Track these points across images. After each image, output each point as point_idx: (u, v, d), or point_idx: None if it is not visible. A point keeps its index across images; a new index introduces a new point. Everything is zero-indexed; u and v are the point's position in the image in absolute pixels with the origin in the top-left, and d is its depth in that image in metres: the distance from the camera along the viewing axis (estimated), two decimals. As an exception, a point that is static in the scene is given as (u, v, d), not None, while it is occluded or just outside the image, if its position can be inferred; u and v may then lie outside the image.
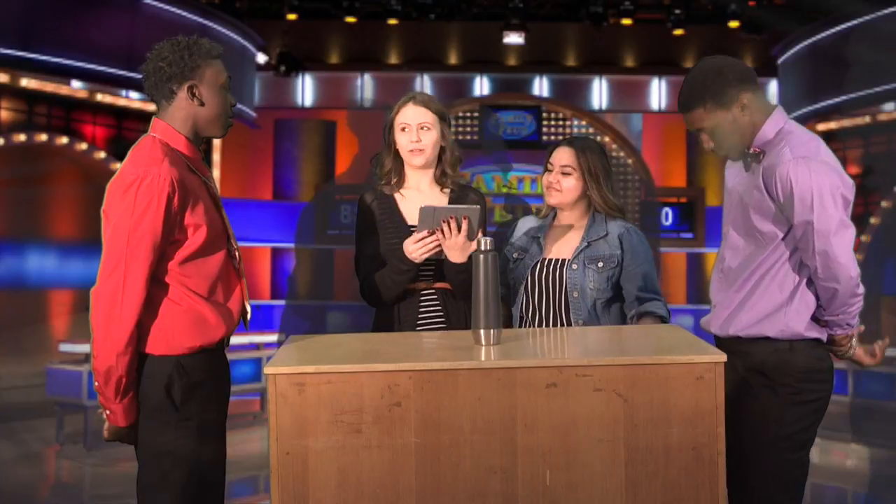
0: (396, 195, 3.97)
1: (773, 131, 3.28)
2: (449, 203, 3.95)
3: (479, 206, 3.72)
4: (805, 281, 3.26)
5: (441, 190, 4.00)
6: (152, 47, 3.27)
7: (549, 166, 4.00)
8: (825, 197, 3.13)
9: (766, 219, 3.25)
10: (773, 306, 3.28)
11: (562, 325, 3.91)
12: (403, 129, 3.91)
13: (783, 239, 3.26)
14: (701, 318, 3.52)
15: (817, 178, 3.13)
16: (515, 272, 4.02)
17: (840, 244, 3.15)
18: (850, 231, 3.18)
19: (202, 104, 3.26)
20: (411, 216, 3.90)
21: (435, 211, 3.66)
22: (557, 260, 3.97)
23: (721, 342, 3.39)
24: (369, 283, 3.89)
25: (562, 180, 3.96)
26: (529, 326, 3.96)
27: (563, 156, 3.98)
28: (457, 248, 3.70)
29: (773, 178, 3.19)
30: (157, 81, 3.24)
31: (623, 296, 3.94)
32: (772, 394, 3.27)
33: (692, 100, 3.31)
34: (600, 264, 3.91)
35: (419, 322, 3.87)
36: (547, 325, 3.93)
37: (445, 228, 3.67)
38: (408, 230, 3.88)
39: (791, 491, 3.32)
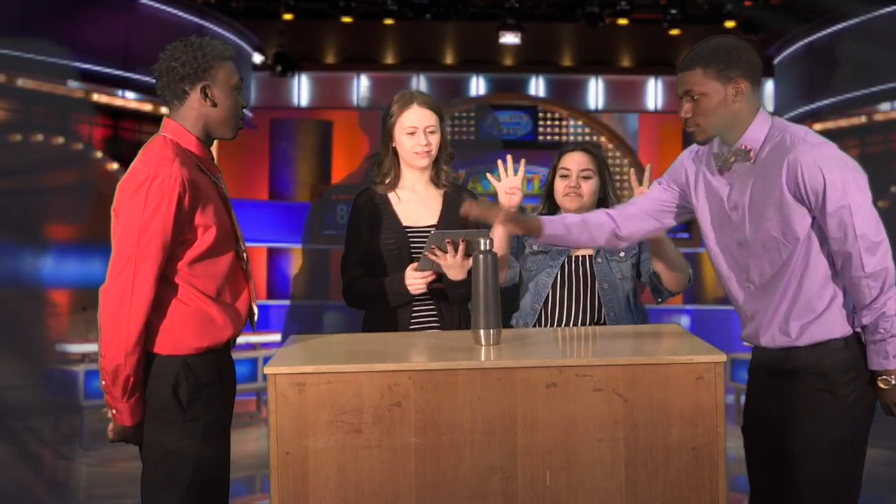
0: (391, 196, 3.97)
1: (764, 130, 3.22)
2: (443, 204, 3.98)
3: (486, 230, 3.75)
4: (839, 278, 3.18)
5: (436, 189, 4.01)
6: (164, 48, 3.28)
7: (564, 172, 4.03)
8: (857, 180, 3.11)
9: (787, 220, 3.16)
10: (818, 309, 3.19)
11: (592, 319, 3.98)
12: (411, 133, 3.90)
13: (808, 237, 3.17)
14: (740, 334, 3.40)
15: (841, 164, 3.10)
16: (536, 266, 4.06)
17: (879, 225, 3.11)
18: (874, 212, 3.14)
19: (214, 105, 3.26)
20: (407, 218, 3.93)
21: (444, 235, 3.69)
22: (580, 256, 4.04)
23: (768, 351, 3.30)
24: (358, 287, 3.90)
25: (583, 185, 4.00)
26: (554, 320, 4.01)
27: (580, 160, 4.04)
28: (456, 268, 3.73)
29: (798, 170, 3.10)
30: (169, 81, 3.25)
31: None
32: (831, 397, 3.16)
33: (696, 60, 3.24)
34: (622, 254, 4.02)
35: (412, 323, 3.88)
36: (577, 319, 3.98)
37: (450, 249, 3.70)
38: (403, 232, 3.90)
39: (850, 494, 3.23)
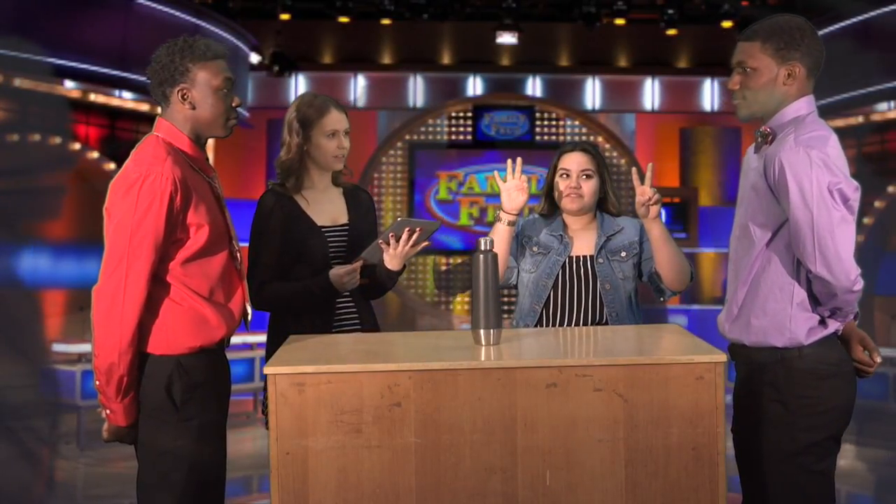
0: (297, 198, 3.97)
1: (792, 115, 3.18)
2: (346, 202, 4.04)
3: (439, 223, 3.90)
4: (804, 281, 3.15)
5: (336, 188, 4.06)
6: (156, 48, 3.30)
7: (564, 172, 4.02)
8: (823, 189, 3.00)
9: (764, 211, 3.16)
10: (769, 311, 3.18)
11: (594, 320, 3.97)
12: (332, 135, 3.94)
13: (776, 235, 3.16)
14: (718, 315, 3.40)
15: (817, 171, 3.01)
16: (535, 266, 4.05)
17: (840, 240, 3.01)
18: (851, 227, 3.04)
19: (193, 108, 3.26)
20: (320, 218, 3.95)
21: (406, 223, 3.75)
22: (581, 257, 4.03)
23: (732, 346, 3.32)
24: (275, 291, 3.89)
25: (583, 185, 4.00)
26: (556, 321, 4.00)
27: (580, 160, 4.03)
28: (400, 257, 3.80)
29: (773, 164, 3.08)
30: (153, 85, 3.29)
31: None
32: (782, 408, 3.15)
33: (758, 33, 3.21)
34: (623, 254, 4.02)
35: (335, 325, 3.92)
36: (578, 319, 3.98)
37: (405, 237, 3.76)
38: (321, 233, 3.93)
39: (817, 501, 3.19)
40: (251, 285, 3.86)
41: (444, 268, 15.50)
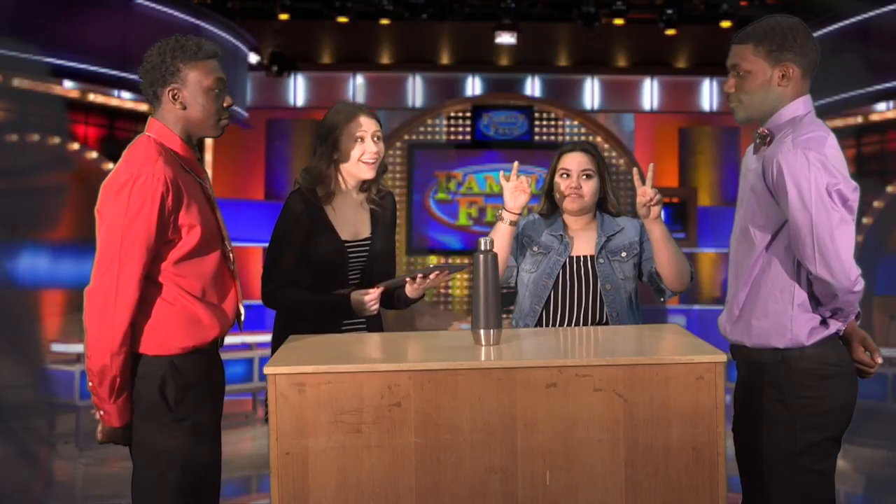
0: (325, 206, 3.93)
1: (789, 116, 3.17)
2: (371, 212, 3.99)
3: (466, 266, 3.81)
4: (805, 282, 3.14)
5: (362, 195, 4.01)
6: (149, 46, 3.28)
7: (565, 172, 4.02)
8: (821, 191, 2.99)
9: (763, 213, 3.15)
10: (771, 312, 3.17)
11: (594, 319, 3.98)
12: (360, 139, 3.87)
13: (776, 236, 3.15)
14: (719, 317, 3.40)
15: (815, 172, 3.00)
16: (536, 266, 4.05)
17: (840, 241, 3.01)
18: (851, 228, 3.03)
19: (184, 108, 3.25)
20: (345, 232, 3.92)
21: (440, 268, 3.78)
22: (582, 257, 4.03)
23: (733, 346, 3.32)
24: (291, 298, 3.87)
25: (584, 185, 3.99)
26: (556, 321, 4.01)
27: (580, 160, 4.03)
28: (422, 290, 3.84)
29: (771, 166, 3.07)
30: (144, 85, 3.29)
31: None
32: (783, 408, 3.14)
33: (751, 35, 3.20)
34: (623, 254, 4.02)
35: (343, 329, 3.91)
36: (578, 319, 3.99)
37: (433, 276, 3.77)
38: (343, 247, 3.90)
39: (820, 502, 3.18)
40: (267, 285, 3.87)
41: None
